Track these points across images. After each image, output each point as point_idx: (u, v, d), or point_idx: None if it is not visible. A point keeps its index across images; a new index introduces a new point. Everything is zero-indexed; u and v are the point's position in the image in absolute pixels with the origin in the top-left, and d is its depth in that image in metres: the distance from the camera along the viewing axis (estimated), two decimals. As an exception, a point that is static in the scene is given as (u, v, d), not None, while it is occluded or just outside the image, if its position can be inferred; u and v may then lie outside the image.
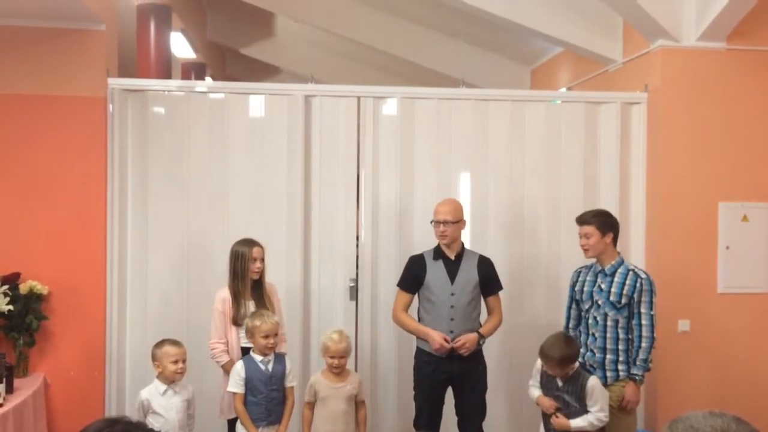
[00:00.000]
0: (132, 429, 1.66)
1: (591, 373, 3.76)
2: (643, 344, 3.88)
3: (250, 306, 4.02)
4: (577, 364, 3.73)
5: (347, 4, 7.72)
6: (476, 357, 4.06)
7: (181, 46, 8.40)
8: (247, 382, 3.74)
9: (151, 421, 3.63)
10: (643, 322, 3.89)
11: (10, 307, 4.24)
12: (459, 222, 4.02)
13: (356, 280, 4.79)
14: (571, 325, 4.18)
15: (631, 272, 3.93)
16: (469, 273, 4.04)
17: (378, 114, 4.82)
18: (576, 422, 3.63)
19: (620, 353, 3.92)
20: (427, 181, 4.82)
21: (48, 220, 4.50)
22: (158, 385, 3.72)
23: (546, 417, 3.79)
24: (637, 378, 3.90)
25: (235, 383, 3.74)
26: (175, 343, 3.77)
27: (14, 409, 3.84)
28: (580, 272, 4.18)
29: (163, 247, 4.65)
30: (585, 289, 4.07)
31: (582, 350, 4.04)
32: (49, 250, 4.49)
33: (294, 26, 9.44)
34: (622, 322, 3.92)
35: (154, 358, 3.74)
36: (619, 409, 3.89)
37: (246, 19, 9.65)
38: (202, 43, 9.31)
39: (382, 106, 4.84)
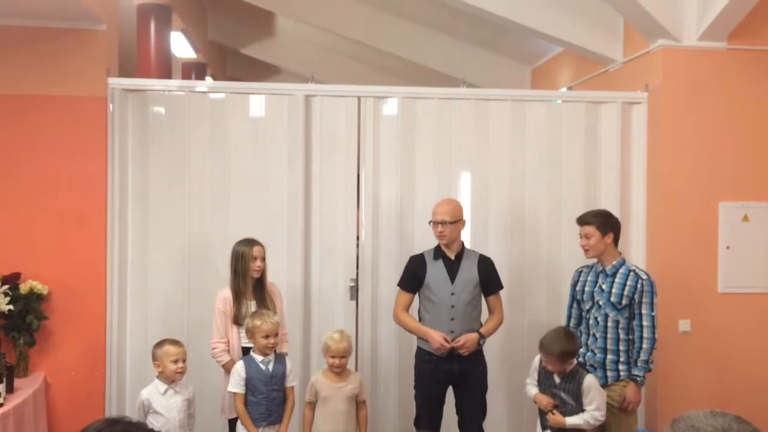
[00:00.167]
0: (132, 429, 1.66)
1: (589, 372, 3.76)
2: (644, 345, 3.88)
3: (252, 306, 4.02)
4: (575, 361, 3.73)
5: (348, 4, 7.72)
6: (476, 357, 4.06)
7: (181, 46, 8.40)
8: (248, 382, 3.73)
9: (152, 421, 3.64)
10: (644, 323, 3.88)
11: (11, 306, 4.24)
12: (457, 222, 4.02)
13: (356, 280, 4.79)
14: (572, 325, 4.18)
15: (632, 273, 3.93)
16: (469, 272, 4.04)
17: (378, 114, 4.82)
18: (572, 420, 3.63)
19: (621, 353, 3.92)
20: (427, 181, 4.82)
21: (48, 220, 4.50)
22: (159, 385, 3.72)
23: (543, 414, 3.79)
24: (638, 378, 3.90)
25: (236, 383, 3.74)
26: (176, 342, 3.78)
27: (15, 409, 3.84)
28: (581, 272, 4.18)
29: (163, 247, 4.65)
30: (586, 289, 4.07)
31: (582, 350, 4.05)
32: (50, 250, 4.49)
33: (294, 26, 9.44)
34: (622, 322, 3.92)
35: (154, 357, 3.74)
36: (620, 410, 3.89)
37: (246, 19, 9.66)
38: (202, 42, 9.31)
39: (382, 106, 4.84)
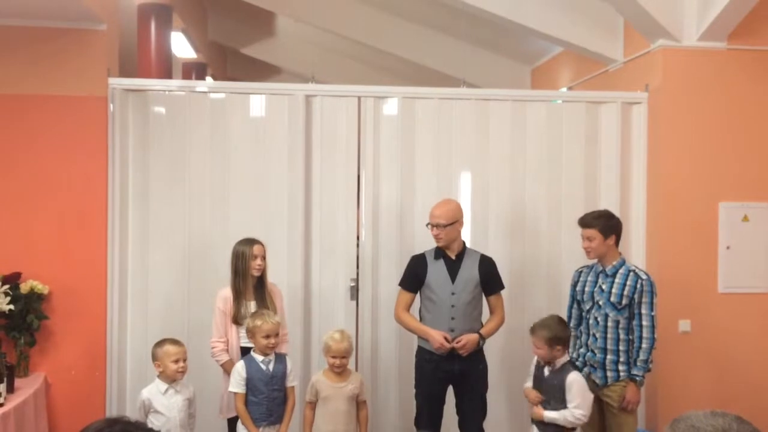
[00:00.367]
0: (131, 429, 1.66)
1: (576, 369, 3.74)
2: (644, 345, 3.88)
3: (251, 306, 4.03)
4: (567, 356, 3.73)
5: (348, 4, 7.73)
6: (477, 356, 4.06)
7: (181, 46, 8.40)
8: (248, 382, 3.74)
9: (153, 421, 3.64)
10: (644, 323, 3.89)
11: (11, 306, 4.24)
12: (453, 224, 4.01)
13: (357, 280, 4.79)
14: (572, 325, 4.18)
15: (631, 273, 3.93)
16: (469, 272, 4.04)
17: (379, 114, 4.83)
18: (550, 414, 3.64)
19: (621, 354, 3.92)
20: (427, 181, 4.82)
21: (49, 220, 4.50)
22: (159, 385, 3.73)
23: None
24: (637, 378, 3.90)
25: (236, 383, 3.75)
26: (176, 342, 3.78)
27: (15, 409, 3.85)
28: (581, 272, 4.18)
29: (163, 247, 4.65)
30: (586, 289, 4.08)
31: (583, 350, 4.06)
32: (50, 250, 4.50)
33: (295, 26, 9.44)
34: (622, 322, 3.92)
35: (154, 357, 3.74)
36: (620, 410, 3.90)
37: (247, 19, 9.66)
38: (202, 42, 9.31)
39: (382, 106, 4.84)
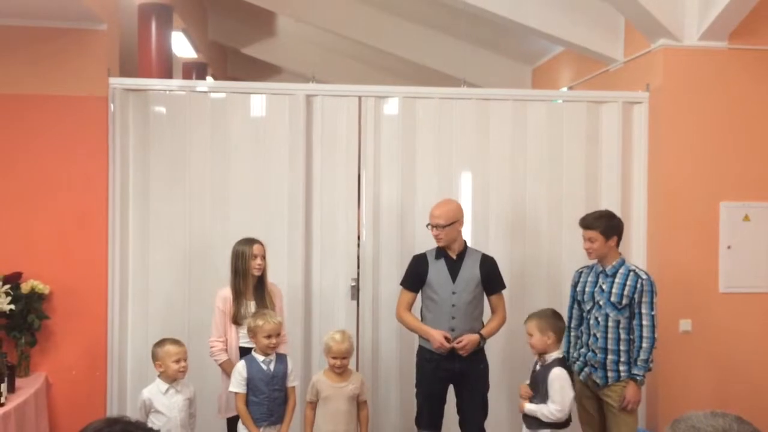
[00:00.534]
0: (131, 428, 1.66)
1: (563, 366, 3.73)
2: (644, 344, 3.88)
3: (251, 306, 4.02)
4: (559, 353, 3.75)
5: (348, 4, 7.72)
6: (478, 356, 4.07)
7: (182, 46, 8.40)
8: (249, 382, 3.74)
9: (153, 420, 3.64)
10: (644, 322, 3.89)
11: (12, 306, 4.25)
12: (453, 224, 4.01)
13: (357, 280, 4.79)
14: (573, 325, 4.18)
15: (631, 273, 3.93)
16: (470, 271, 4.04)
17: (379, 113, 4.82)
18: (529, 406, 3.72)
19: (621, 353, 3.92)
20: (428, 181, 4.82)
21: (49, 220, 4.50)
22: (160, 384, 3.73)
23: None
24: (638, 378, 3.90)
25: (237, 383, 3.75)
26: (176, 341, 3.78)
27: (16, 409, 3.85)
28: (581, 272, 4.18)
29: (164, 247, 4.65)
30: (586, 289, 4.07)
31: (583, 350, 4.05)
32: (51, 250, 4.50)
33: (295, 26, 9.44)
34: (623, 322, 3.92)
35: (155, 357, 3.74)
36: (620, 410, 3.90)
37: (247, 19, 9.65)
38: (203, 42, 9.31)
39: (383, 106, 4.84)
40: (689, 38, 4.78)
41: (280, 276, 4.50)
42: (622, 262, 3.99)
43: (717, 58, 4.81)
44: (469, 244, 4.26)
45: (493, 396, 4.24)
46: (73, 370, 4.54)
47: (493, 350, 4.43)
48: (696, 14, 4.73)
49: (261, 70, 11.05)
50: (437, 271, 4.05)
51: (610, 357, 3.93)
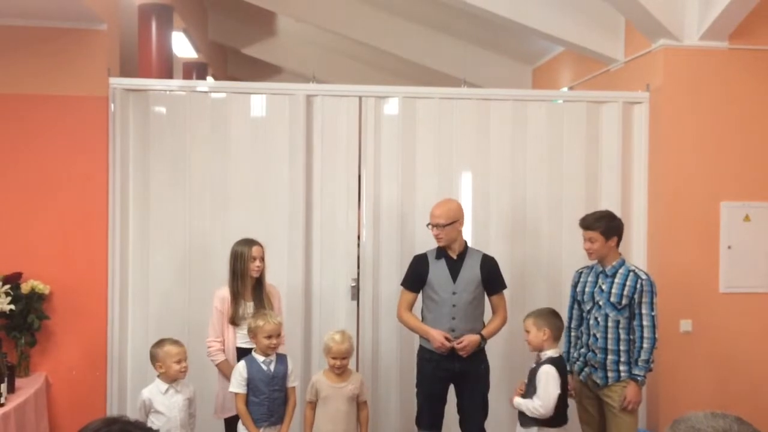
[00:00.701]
0: (130, 428, 1.66)
1: (553, 365, 3.72)
2: (645, 345, 3.88)
3: (249, 306, 4.02)
4: (554, 351, 3.76)
5: (349, 4, 7.72)
6: (478, 356, 4.06)
7: (182, 46, 8.39)
8: (249, 383, 3.74)
9: (153, 420, 3.64)
10: (644, 322, 3.88)
11: (12, 306, 4.25)
12: (453, 224, 4.01)
13: (357, 280, 4.79)
14: (573, 326, 4.18)
15: (631, 273, 3.93)
16: (471, 272, 4.04)
17: (379, 114, 4.82)
18: (517, 399, 3.78)
19: (621, 354, 3.91)
20: (428, 181, 4.82)
21: (49, 220, 4.50)
22: (159, 385, 3.72)
23: None
24: (638, 378, 3.90)
25: (237, 383, 3.74)
26: (175, 342, 3.78)
27: (16, 409, 3.85)
28: (581, 272, 4.18)
29: (164, 247, 4.65)
30: (586, 290, 4.07)
31: (583, 350, 4.05)
32: (51, 250, 4.50)
33: (295, 26, 9.44)
34: (623, 322, 3.91)
35: (155, 358, 3.73)
36: (621, 410, 3.89)
37: (247, 19, 9.65)
38: (203, 42, 9.31)
39: (383, 106, 4.84)
40: (689, 38, 4.77)
41: (280, 276, 4.49)
42: (622, 263, 3.99)
43: (717, 58, 4.81)
44: (469, 244, 4.26)
45: (493, 396, 4.23)
46: (73, 370, 4.54)
47: (493, 350, 4.42)
48: (696, 14, 4.73)
49: (261, 70, 11.05)
50: (438, 271, 4.05)
51: (610, 357, 3.93)
